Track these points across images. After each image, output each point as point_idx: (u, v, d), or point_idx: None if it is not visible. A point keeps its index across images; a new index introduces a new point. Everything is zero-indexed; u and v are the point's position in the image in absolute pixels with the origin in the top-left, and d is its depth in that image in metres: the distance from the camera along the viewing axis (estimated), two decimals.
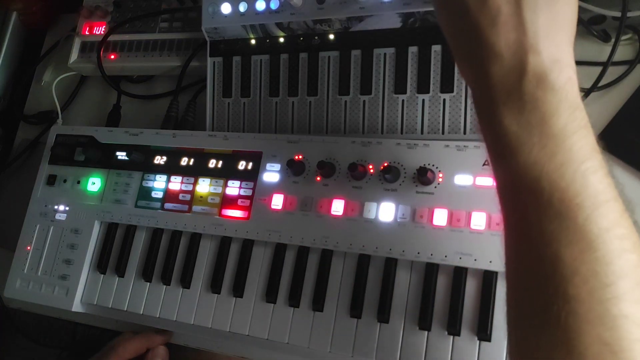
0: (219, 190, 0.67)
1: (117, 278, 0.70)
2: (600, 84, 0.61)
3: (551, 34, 0.35)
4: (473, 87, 0.39)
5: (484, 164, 0.56)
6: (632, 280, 0.32)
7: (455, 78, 0.62)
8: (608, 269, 0.32)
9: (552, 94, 0.34)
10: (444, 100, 0.62)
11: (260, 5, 0.68)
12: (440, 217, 0.56)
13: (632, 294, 0.32)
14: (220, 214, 0.66)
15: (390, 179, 0.59)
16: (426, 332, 0.56)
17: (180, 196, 0.69)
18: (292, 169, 0.63)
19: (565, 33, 0.36)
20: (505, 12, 0.35)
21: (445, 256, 0.55)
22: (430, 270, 0.57)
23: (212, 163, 0.69)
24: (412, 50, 0.64)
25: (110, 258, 0.71)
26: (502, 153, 0.36)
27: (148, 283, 0.69)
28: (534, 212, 0.34)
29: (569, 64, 0.36)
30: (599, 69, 0.60)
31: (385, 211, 0.59)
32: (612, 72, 0.61)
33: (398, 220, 0.58)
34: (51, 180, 0.76)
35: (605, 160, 0.34)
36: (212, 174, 0.68)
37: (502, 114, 0.35)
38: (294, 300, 0.61)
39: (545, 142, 0.34)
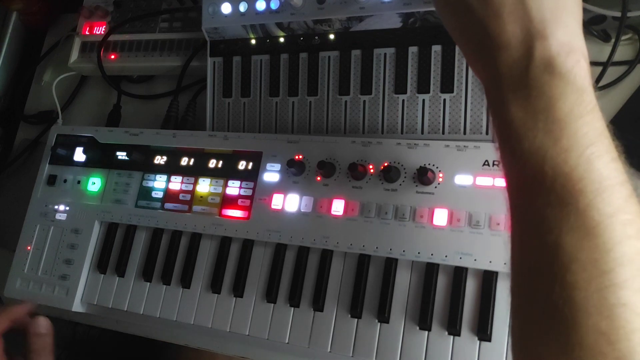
0: (219, 190, 0.67)
1: (117, 278, 0.70)
2: (600, 84, 0.61)
3: (558, 18, 0.35)
4: (483, 79, 0.38)
5: (484, 164, 0.56)
6: (634, 267, 0.31)
7: (455, 78, 0.62)
8: (608, 256, 0.31)
9: (559, 78, 0.34)
10: (444, 100, 0.62)
11: (261, 5, 0.68)
12: (440, 217, 0.56)
13: (633, 281, 0.31)
14: (220, 214, 0.66)
15: (391, 178, 0.59)
16: (426, 332, 0.56)
17: (181, 196, 0.69)
18: (292, 169, 0.63)
19: (573, 16, 0.36)
20: (509, 3, 0.35)
21: (446, 256, 0.55)
22: (431, 270, 0.57)
23: (212, 163, 0.69)
24: (412, 50, 0.64)
25: (111, 258, 0.71)
26: (508, 141, 0.35)
27: (148, 283, 0.69)
28: (537, 198, 0.33)
29: (577, 46, 0.35)
30: (599, 69, 0.60)
31: (385, 211, 0.59)
32: (612, 72, 0.61)
33: (398, 220, 0.58)
34: (51, 180, 0.76)
35: (613, 145, 0.34)
36: (212, 174, 0.68)
37: (510, 103, 0.35)
38: (294, 300, 0.61)
39: (550, 127, 0.33)
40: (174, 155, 0.71)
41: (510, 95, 0.35)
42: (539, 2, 0.35)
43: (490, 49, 0.36)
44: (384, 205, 0.59)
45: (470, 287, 0.55)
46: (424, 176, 0.57)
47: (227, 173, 0.68)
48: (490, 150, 0.56)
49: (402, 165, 0.59)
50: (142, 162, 0.72)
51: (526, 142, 0.34)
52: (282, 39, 0.70)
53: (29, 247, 0.74)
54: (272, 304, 0.62)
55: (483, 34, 0.36)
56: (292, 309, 0.61)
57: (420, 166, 0.58)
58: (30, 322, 0.66)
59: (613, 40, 0.61)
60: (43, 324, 0.67)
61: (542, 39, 0.34)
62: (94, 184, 0.74)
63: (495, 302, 0.54)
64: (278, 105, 0.71)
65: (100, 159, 0.75)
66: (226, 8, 0.70)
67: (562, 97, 0.34)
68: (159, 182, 0.71)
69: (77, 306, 0.71)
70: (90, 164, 0.75)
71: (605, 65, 0.60)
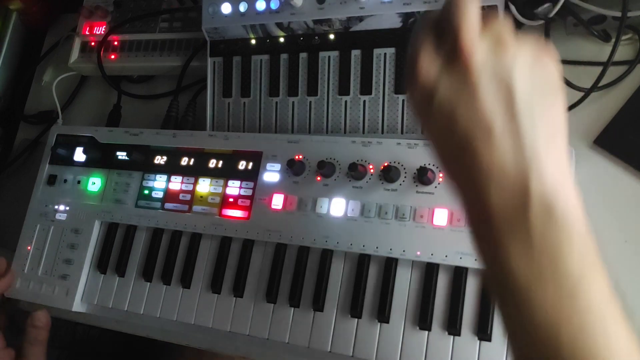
0: (219, 190, 0.67)
1: (118, 278, 0.70)
2: (600, 84, 0.61)
3: (550, 147, 0.32)
4: (469, 210, 0.35)
5: None
6: None
7: None
8: None
9: (562, 231, 0.31)
10: None
11: (261, 5, 0.68)
12: (440, 217, 0.56)
13: None
14: (220, 214, 0.66)
15: (391, 178, 0.59)
16: (426, 332, 0.56)
17: (181, 196, 0.69)
18: (292, 169, 0.63)
19: (563, 141, 0.33)
20: (500, 125, 0.32)
21: (446, 256, 0.55)
22: (431, 270, 0.57)
23: (212, 163, 0.69)
24: None
25: (111, 258, 0.71)
26: (510, 294, 0.32)
27: (148, 283, 0.69)
28: None
29: (570, 183, 0.32)
30: (599, 69, 0.60)
31: (385, 211, 0.59)
32: (612, 72, 0.61)
33: (398, 220, 0.58)
34: (51, 180, 0.76)
35: (618, 297, 0.31)
36: (212, 173, 0.68)
37: (508, 251, 0.31)
38: (294, 300, 0.61)
39: (560, 293, 0.30)
40: (174, 155, 0.71)
41: (507, 241, 0.32)
42: (532, 127, 0.32)
43: (478, 178, 0.33)
44: (384, 205, 0.59)
45: (471, 287, 0.55)
46: (424, 176, 0.57)
47: (227, 173, 0.68)
48: None
49: (402, 165, 0.59)
50: (142, 162, 0.72)
51: (534, 301, 0.31)
52: (282, 39, 0.70)
53: (29, 247, 0.74)
54: (272, 304, 0.62)
55: (469, 157, 0.33)
56: (292, 309, 0.61)
57: (421, 166, 0.58)
58: (31, 314, 0.68)
59: (613, 40, 0.61)
60: (41, 318, 0.69)
61: (536, 176, 0.31)
62: (94, 184, 0.74)
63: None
64: (278, 105, 0.71)
65: (100, 159, 0.75)
66: (226, 8, 0.70)
67: (570, 255, 0.31)
68: (159, 182, 0.71)
69: (77, 306, 0.71)
70: (90, 164, 0.75)
71: (605, 65, 0.60)
